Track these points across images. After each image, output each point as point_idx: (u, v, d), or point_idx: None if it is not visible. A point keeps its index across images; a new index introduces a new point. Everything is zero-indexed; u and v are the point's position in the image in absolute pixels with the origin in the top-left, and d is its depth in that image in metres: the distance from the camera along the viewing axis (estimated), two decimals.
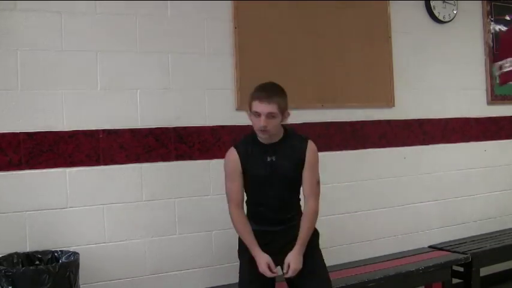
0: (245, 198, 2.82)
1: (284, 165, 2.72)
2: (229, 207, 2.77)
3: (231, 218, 2.76)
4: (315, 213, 2.79)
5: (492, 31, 4.57)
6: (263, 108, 2.59)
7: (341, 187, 3.79)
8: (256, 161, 2.71)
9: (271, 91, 2.65)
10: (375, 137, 3.95)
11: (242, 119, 3.43)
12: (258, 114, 2.62)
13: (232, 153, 2.74)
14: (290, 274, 2.66)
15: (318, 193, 2.81)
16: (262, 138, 2.71)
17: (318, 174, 2.84)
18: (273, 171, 2.71)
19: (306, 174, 2.77)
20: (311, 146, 2.79)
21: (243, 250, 2.78)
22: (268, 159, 2.71)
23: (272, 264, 2.67)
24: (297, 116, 3.62)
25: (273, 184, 2.73)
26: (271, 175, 2.71)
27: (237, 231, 2.77)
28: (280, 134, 2.75)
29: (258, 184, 2.74)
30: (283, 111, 2.67)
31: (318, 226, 3.63)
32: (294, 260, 2.67)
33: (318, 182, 2.82)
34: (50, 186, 2.89)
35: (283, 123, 2.73)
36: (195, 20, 3.31)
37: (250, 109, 2.67)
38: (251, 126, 3.42)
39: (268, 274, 2.65)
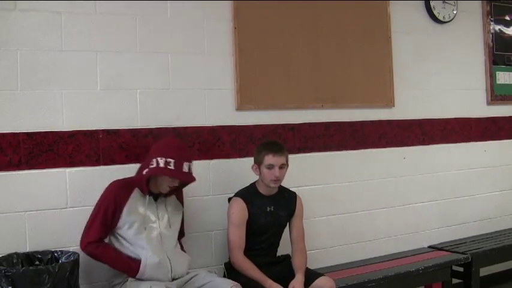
0: None
1: (281, 214, 3.14)
2: (233, 254, 3.01)
3: (237, 263, 2.99)
4: (306, 253, 3.16)
5: (492, 31, 4.58)
6: (276, 160, 2.99)
7: (341, 187, 3.79)
8: (258, 210, 3.06)
9: (279, 146, 3.07)
10: (375, 137, 3.95)
11: (242, 119, 3.44)
12: (271, 166, 3.00)
13: (240, 203, 3.05)
14: None
15: (304, 237, 3.21)
16: (269, 188, 3.07)
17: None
18: (272, 220, 3.10)
19: (296, 221, 3.19)
20: (299, 199, 3.23)
21: None
22: (268, 209, 3.09)
23: None
24: (297, 116, 3.63)
25: (269, 231, 3.11)
26: (270, 223, 3.09)
27: (247, 273, 2.96)
28: (277, 188, 3.12)
29: (256, 231, 3.06)
30: (287, 162, 3.07)
31: (318, 226, 3.65)
32: (298, 285, 2.93)
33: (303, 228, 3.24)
34: (50, 186, 2.88)
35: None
36: (195, 20, 3.31)
37: (260, 163, 3.02)
38: (250, 126, 3.43)
39: None
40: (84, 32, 2.99)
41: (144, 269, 2.67)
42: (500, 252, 4.05)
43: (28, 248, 2.80)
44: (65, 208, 2.91)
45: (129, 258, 2.71)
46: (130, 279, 2.70)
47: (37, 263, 2.73)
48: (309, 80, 3.69)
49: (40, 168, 2.86)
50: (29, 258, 2.73)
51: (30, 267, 2.63)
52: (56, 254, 2.77)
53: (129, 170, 3.06)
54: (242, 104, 3.41)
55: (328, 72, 3.74)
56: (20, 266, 2.66)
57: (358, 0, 3.87)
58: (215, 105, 3.35)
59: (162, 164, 2.65)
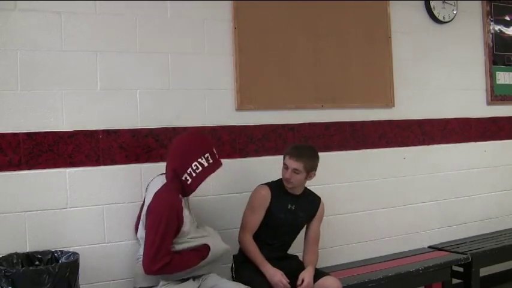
0: None
1: (300, 215, 3.17)
2: (241, 234, 3.09)
3: (243, 241, 3.07)
4: (318, 254, 3.22)
5: (492, 31, 4.58)
6: (290, 163, 3.04)
7: (341, 187, 3.80)
8: (280, 204, 3.11)
9: (302, 151, 3.09)
10: (375, 137, 3.95)
11: (242, 119, 3.44)
12: (286, 167, 3.06)
13: (266, 190, 3.12)
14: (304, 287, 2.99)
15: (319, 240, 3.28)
16: (287, 186, 3.11)
17: None
18: (290, 218, 3.13)
19: (314, 224, 3.23)
20: (322, 203, 3.27)
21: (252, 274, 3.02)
22: (289, 206, 3.13)
23: (285, 277, 2.96)
24: (297, 116, 3.64)
25: (285, 228, 3.14)
26: (287, 221, 3.12)
27: (249, 252, 3.04)
28: (302, 189, 3.18)
29: (272, 225, 3.10)
30: (309, 171, 3.09)
31: None
32: (308, 276, 3.00)
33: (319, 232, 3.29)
34: (50, 186, 2.88)
35: (308, 180, 3.14)
36: (195, 20, 3.31)
37: (283, 161, 3.10)
38: (250, 126, 3.44)
39: (284, 283, 2.94)
40: (84, 32, 2.99)
41: (214, 250, 2.78)
42: (500, 252, 4.05)
43: (28, 248, 2.80)
44: (65, 208, 2.91)
45: (194, 250, 2.75)
46: (162, 282, 2.71)
47: (37, 263, 2.73)
48: (309, 80, 3.69)
49: (40, 168, 2.86)
50: (29, 258, 2.73)
51: (30, 267, 2.64)
52: (56, 254, 2.77)
53: (129, 170, 3.07)
54: (242, 104, 3.41)
55: (328, 72, 3.74)
56: (20, 266, 2.66)
57: (358, 0, 3.87)
58: (215, 105, 3.35)
59: (205, 164, 2.74)
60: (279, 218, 3.10)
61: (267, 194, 3.09)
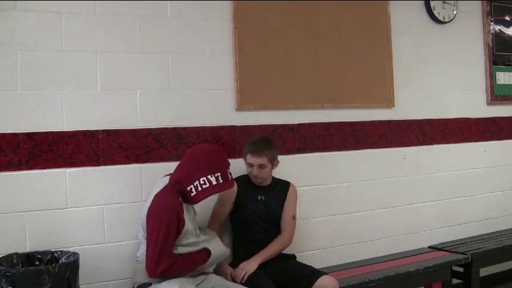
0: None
1: (272, 204, 3.21)
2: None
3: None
4: (286, 244, 3.21)
5: (492, 31, 4.58)
6: (255, 160, 3.09)
7: (341, 187, 3.79)
8: (249, 198, 3.17)
9: (261, 145, 3.11)
10: (375, 137, 3.95)
11: (242, 119, 3.44)
12: (251, 165, 3.11)
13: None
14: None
15: (293, 227, 3.25)
16: (255, 182, 3.17)
17: (295, 210, 3.30)
18: (263, 209, 3.17)
19: (286, 208, 3.24)
20: (293, 187, 3.30)
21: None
22: (259, 197, 3.18)
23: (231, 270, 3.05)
24: (297, 116, 3.64)
25: (260, 220, 3.17)
26: (262, 211, 3.17)
27: None
28: (270, 179, 3.23)
29: (249, 220, 3.15)
30: (273, 161, 3.14)
31: (318, 226, 3.65)
32: (248, 265, 3.02)
33: (294, 217, 3.27)
34: (50, 186, 2.88)
35: (274, 168, 3.19)
36: (195, 21, 3.31)
37: (244, 159, 3.16)
38: (250, 126, 3.43)
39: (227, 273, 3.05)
40: (84, 32, 2.99)
41: (214, 253, 2.82)
42: (500, 253, 4.05)
43: (28, 248, 2.80)
44: (65, 208, 2.91)
45: (196, 253, 2.78)
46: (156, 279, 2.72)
47: (37, 263, 2.73)
48: (309, 80, 3.69)
49: (40, 168, 2.86)
50: (29, 258, 2.73)
51: (30, 268, 2.64)
52: (56, 254, 2.77)
53: (129, 170, 3.07)
54: (242, 104, 3.41)
55: (328, 72, 3.74)
56: (20, 266, 2.66)
57: (358, 0, 3.87)
58: (215, 105, 3.35)
59: (214, 182, 2.72)
60: (252, 210, 3.15)
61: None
